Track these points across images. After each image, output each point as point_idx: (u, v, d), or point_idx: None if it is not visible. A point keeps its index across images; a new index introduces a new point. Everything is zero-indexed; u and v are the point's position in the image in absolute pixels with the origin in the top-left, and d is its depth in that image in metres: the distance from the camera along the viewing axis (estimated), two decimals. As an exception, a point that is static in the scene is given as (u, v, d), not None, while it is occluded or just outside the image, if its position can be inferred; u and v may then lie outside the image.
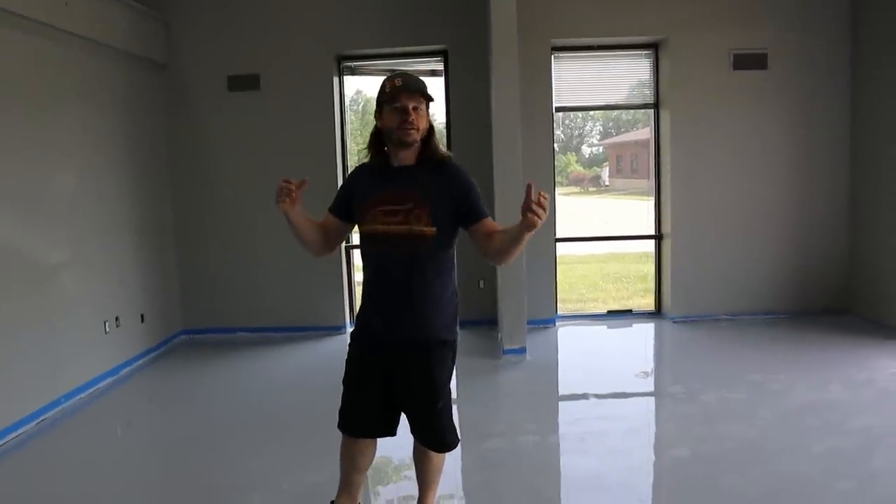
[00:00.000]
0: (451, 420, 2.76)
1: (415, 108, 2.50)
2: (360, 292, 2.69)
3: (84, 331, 5.23)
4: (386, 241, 2.53)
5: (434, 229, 2.49)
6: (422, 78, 2.61)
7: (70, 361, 5.01)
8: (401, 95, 2.49)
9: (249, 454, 4.03)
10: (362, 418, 2.74)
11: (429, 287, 2.55)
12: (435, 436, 2.73)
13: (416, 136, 2.52)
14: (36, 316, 4.68)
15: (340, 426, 2.80)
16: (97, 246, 5.44)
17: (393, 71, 7.02)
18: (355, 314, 2.79)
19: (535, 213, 2.18)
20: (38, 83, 4.81)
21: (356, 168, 2.79)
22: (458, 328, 2.72)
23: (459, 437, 2.82)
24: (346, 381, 2.77)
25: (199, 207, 6.67)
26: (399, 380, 2.65)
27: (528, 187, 2.21)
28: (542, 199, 2.18)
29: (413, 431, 2.76)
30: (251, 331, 6.71)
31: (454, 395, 4.77)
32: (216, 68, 6.53)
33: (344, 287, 6.72)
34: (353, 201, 2.67)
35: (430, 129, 2.59)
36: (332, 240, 2.77)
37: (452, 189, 2.53)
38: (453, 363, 2.73)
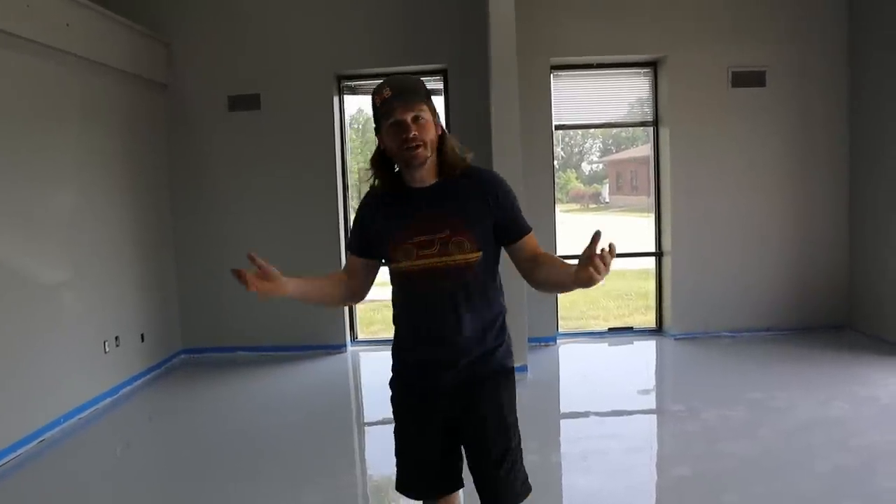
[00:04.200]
0: (522, 465, 2.25)
1: (415, 119, 2.04)
2: (395, 332, 2.32)
3: (84, 350, 5.22)
4: (426, 277, 2.12)
5: (479, 254, 2.10)
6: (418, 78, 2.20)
7: (70, 381, 5.00)
8: (395, 108, 2.04)
9: (247, 475, 4.00)
10: (426, 474, 2.30)
11: (486, 316, 2.17)
12: (506, 485, 2.20)
13: (425, 152, 2.06)
14: (36, 335, 4.68)
15: (401, 488, 2.33)
16: (97, 265, 5.45)
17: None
18: (393, 355, 2.35)
19: (595, 268, 1.81)
20: (39, 103, 4.84)
21: (365, 197, 2.28)
22: (512, 356, 2.33)
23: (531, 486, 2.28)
24: (400, 434, 2.32)
25: (200, 227, 6.68)
26: (464, 424, 2.23)
27: (596, 235, 1.84)
28: (606, 255, 1.81)
29: (479, 487, 2.26)
30: (251, 350, 6.69)
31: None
32: (217, 88, 6.57)
33: (344, 306, 6.71)
34: (372, 238, 2.22)
35: (442, 135, 2.12)
36: (359, 284, 2.31)
37: (490, 199, 2.12)
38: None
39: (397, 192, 2.17)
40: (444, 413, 2.21)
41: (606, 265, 1.81)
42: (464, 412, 2.20)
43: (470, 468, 2.26)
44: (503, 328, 2.26)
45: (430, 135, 2.07)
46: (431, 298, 2.15)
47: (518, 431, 2.25)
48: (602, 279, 1.83)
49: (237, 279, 1.99)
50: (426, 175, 2.13)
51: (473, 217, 2.10)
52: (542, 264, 2.10)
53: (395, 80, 2.11)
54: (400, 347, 2.29)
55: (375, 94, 2.09)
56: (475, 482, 2.24)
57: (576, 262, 1.90)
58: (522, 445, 2.25)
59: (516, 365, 2.34)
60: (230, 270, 2.00)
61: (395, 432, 2.32)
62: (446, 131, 2.14)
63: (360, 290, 2.32)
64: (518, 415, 2.25)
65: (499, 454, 2.18)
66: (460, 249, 2.08)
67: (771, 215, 6.63)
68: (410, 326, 2.24)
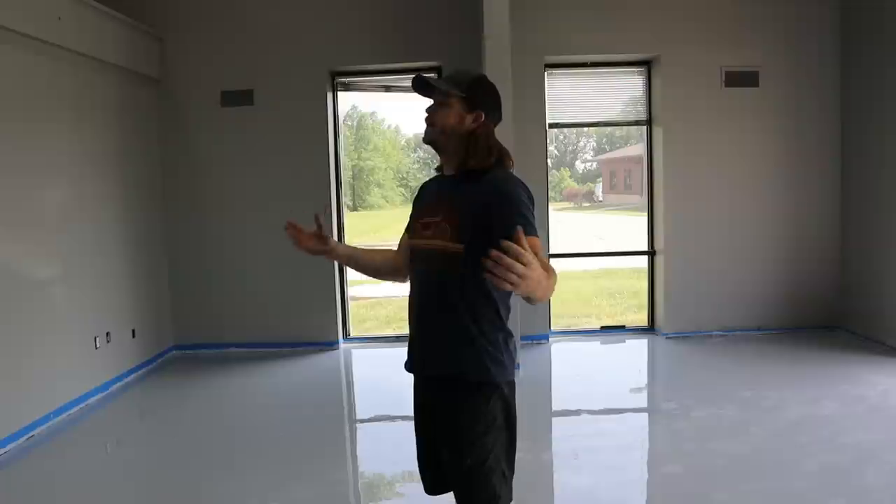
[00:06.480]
0: (488, 487, 2.07)
1: (441, 104, 2.14)
2: None
3: (75, 346, 5.19)
4: (420, 257, 2.18)
5: (461, 246, 2.04)
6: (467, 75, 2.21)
7: (60, 377, 4.98)
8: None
9: (238, 471, 4.00)
10: (422, 469, 2.31)
11: (458, 316, 2.06)
12: (461, 499, 2.13)
13: (431, 133, 2.16)
14: (26, 331, 4.65)
15: None
16: (88, 261, 5.42)
17: (387, 87, 7.11)
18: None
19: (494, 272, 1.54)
20: (30, 97, 4.81)
21: (427, 179, 2.43)
22: (506, 370, 2.11)
23: None
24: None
25: (192, 222, 6.66)
26: (436, 423, 2.20)
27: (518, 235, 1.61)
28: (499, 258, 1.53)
29: None
30: (243, 346, 6.68)
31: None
32: (210, 83, 6.54)
33: (337, 303, 6.70)
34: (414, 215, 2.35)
35: (471, 133, 2.14)
36: (402, 260, 2.34)
37: (483, 199, 2.03)
38: (504, 412, 2.10)
39: (438, 178, 2.30)
40: (425, 398, 2.23)
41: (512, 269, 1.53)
42: (434, 410, 2.19)
43: None
44: (484, 335, 2.07)
45: (447, 120, 2.14)
46: (417, 276, 2.22)
47: (483, 449, 2.06)
48: (514, 286, 1.56)
49: (289, 233, 2.33)
50: (451, 165, 2.20)
51: (465, 209, 2.06)
52: None
53: (452, 70, 2.27)
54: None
55: None
56: None
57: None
58: (500, 459, 2.10)
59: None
60: (287, 223, 2.32)
61: None
62: (487, 132, 2.17)
63: (402, 266, 2.35)
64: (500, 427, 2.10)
65: (456, 467, 2.11)
66: (443, 235, 2.08)
67: (764, 215, 6.66)
68: (409, 301, 2.27)
